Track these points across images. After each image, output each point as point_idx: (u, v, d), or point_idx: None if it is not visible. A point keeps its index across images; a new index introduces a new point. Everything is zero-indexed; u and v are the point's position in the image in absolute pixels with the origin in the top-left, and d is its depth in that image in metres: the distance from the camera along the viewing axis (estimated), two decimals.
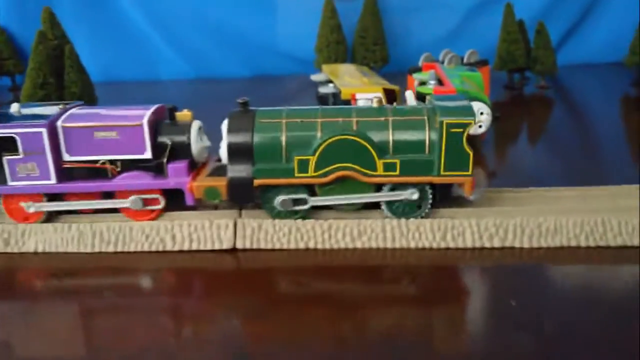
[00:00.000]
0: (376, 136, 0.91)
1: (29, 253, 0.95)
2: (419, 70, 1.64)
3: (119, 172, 0.97)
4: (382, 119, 0.92)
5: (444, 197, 0.94)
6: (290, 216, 0.95)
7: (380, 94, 1.33)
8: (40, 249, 0.95)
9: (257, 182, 0.92)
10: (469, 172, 0.90)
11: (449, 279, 0.85)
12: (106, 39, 2.41)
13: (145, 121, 0.94)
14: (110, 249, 0.94)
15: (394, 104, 1.44)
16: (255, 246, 0.93)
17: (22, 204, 0.97)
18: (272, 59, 2.40)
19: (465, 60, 1.73)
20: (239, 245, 0.93)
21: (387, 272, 0.87)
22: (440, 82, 1.45)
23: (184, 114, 1.00)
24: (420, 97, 1.45)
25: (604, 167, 1.28)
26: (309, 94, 2.10)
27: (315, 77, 1.68)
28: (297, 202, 0.94)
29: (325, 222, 0.93)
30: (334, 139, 0.90)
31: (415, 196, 0.92)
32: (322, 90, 1.47)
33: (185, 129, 0.98)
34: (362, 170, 0.91)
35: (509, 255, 0.88)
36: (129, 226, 0.95)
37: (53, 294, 0.86)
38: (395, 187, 0.93)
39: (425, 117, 0.92)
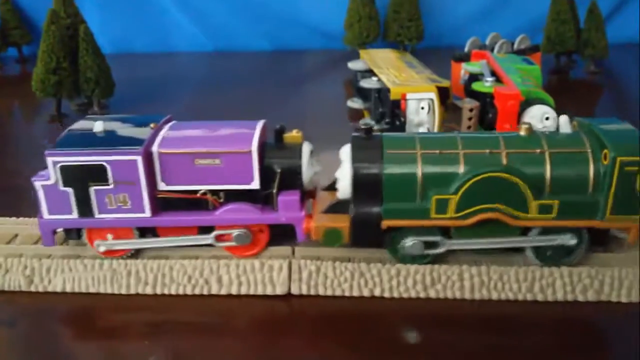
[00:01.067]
0: (530, 172, 0.77)
1: (57, 293, 0.85)
2: (466, 57, 1.50)
3: (221, 204, 0.85)
4: (537, 151, 0.78)
5: (601, 241, 0.82)
6: (418, 261, 0.83)
7: (434, 94, 1.20)
8: (68, 289, 0.85)
9: (386, 223, 0.80)
10: (639, 217, 0.78)
11: (543, 336, 0.74)
12: (117, 6, 2.25)
13: (254, 147, 0.81)
14: (148, 290, 0.84)
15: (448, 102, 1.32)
16: (312, 292, 0.82)
17: (97, 242, 0.86)
18: (296, 32, 2.24)
19: (515, 46, 1.58)
20: (294, 291, 0.82)
21: (471, 324, 0.77)
22: (495, 76, 1.31)
23: (292, 136, 0.86)
24: (474, 94, 1.32)
25: None
26: (335, 72, 1.96)
27: (353, 65, 1.53)
28: (428, 245, 0.82)
29: (393, 267, 0.82)
30: (482, 176, 0.77)
31: (574, 241, 0.80)
32: (365, 84, 1.33)
33: (297, 153, 0.84)
34: (512, 212, 0.78)
35: (605, 311, 0.78)
36: (169, 265, 0.85)
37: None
38: (545, 230, 0.80)
39: (589, 150, 0.78)
